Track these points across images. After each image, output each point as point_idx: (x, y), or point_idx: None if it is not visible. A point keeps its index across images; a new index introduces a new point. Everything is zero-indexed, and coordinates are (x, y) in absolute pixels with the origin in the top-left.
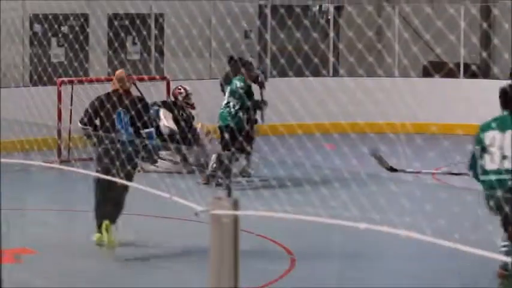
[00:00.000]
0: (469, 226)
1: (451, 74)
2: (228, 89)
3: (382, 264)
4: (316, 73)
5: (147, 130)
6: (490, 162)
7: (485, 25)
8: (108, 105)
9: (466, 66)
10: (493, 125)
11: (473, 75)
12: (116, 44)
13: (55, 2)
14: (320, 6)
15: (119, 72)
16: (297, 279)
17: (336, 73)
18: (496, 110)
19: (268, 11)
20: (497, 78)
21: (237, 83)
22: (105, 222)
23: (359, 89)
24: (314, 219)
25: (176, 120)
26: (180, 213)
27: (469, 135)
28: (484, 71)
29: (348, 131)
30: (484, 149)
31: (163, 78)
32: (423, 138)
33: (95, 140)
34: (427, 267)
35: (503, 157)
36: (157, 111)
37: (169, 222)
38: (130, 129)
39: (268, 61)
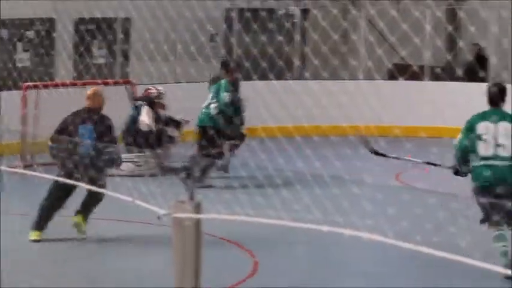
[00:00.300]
0: (432, 228)
1: (415, 76)
2: (212, 90)
3: (345, 266)
4: (280, 76)
5: (110, 150)
6: (484, 150)
7: (450, 28)
8: (71, 110)
9: (431, 68)
10: (484, 117)
11: (438, 78)
12: (82, 49)
13: (21, 6)
14: (286, 10)
15: (91, 90)
16: (260, 282)
17: (300, 76)
18: (462, 111)
19: (234, 14)
20: (462, 81)
21: (225, 94)
22: (75, 219)
23: (323, 92)
24: (276, 222)
25: (156, 121)
26: (143, 216)
27: (433, 138)
28: (449, 74)
29: (311, 134)
30: (477, 138)
31: (127, 82)
32: (386, 141)
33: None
34: (390, 269)
35: (497, 145)
36: (140, 107)
37: (132, 225)
38: (93, 135)
39: (233, 64)
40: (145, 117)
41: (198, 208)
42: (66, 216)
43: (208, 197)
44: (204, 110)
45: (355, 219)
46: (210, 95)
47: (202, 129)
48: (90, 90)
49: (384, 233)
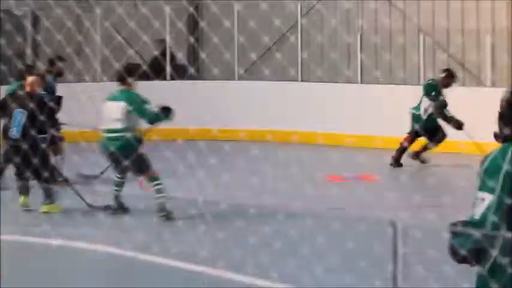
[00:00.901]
0: (171, 239)
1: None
2: None
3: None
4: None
5: (41, 136)
6: (106, 123)
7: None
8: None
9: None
10: (110, 98)
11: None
12: None
13: None
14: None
15: (31, 78)
16: None
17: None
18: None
19: None
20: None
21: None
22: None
23: (68, 95)
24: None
25: None
26: None
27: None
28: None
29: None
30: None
31: None
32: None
33: None
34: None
35: (116, 119)
36: None
37: None
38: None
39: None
40: None
41: None
42: None
43: None
44: None
45: (88, 230)
46: None
47: None
48: (30, 78)
49: (119, 245)
